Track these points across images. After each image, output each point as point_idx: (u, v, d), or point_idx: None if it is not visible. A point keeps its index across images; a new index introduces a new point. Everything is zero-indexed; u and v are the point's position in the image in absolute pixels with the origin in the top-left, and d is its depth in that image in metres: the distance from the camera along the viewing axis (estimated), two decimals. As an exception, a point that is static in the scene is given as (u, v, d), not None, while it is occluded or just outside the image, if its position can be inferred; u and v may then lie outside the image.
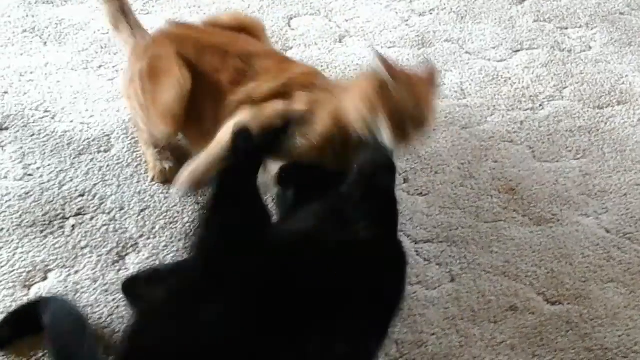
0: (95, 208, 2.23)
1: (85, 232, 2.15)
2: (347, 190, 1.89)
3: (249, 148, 1.95)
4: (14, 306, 1.93)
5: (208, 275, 1.67)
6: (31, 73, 2.68)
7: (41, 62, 2.74)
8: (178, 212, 2.23)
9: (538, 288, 2.13)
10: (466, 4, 3.30)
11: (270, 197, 2.18)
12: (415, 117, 2.00)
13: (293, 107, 2.10)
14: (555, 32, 3.18)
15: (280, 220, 1.99)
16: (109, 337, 1.90)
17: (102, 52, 2.78)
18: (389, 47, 2.98)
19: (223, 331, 1.57)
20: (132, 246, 2.13)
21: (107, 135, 2.46)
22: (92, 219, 2.19)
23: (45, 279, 2.02)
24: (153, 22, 2.79)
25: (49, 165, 2.33)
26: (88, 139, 2.44)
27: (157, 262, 2.09)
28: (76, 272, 2.04)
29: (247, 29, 2.41)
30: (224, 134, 2.11)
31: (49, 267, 2.05)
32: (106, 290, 2.00)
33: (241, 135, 1.97)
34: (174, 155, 2.36)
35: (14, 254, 2.07)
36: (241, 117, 2.12)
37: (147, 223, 2.18)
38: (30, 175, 2.30)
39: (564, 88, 2.87)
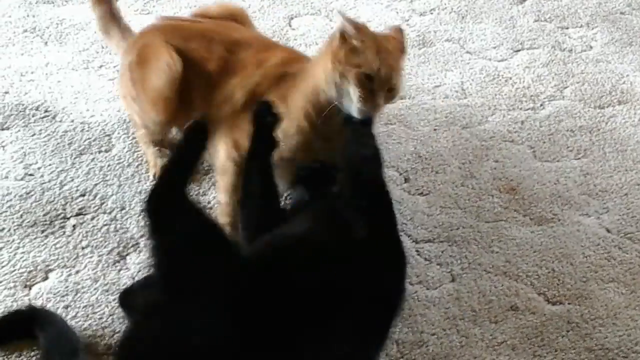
0: (96, 208, 2.23)
1: (86, 232, 2.15)
2: (337, 189, 1.89)
3: (270, 124, 1.95)
4: (15, 306, 1.94)
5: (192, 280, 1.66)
6: (32, 73, 2.68)
7: (42, 62, 2.74)
8: (179, 212, 2.23)
9: (539, 288, 2.13)
10: (467, 4, 3.30)
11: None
12: (383, 80, 1.99)
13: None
14: (556, 32, 3.18)
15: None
16: (110, 337, 1.90)
17: (103, 52, 2.78)
18: (390, 47, 2.98)
19: (211, 338, 1.57)
20: (133, 246, 2.13)
21: (108, 135, 2.46)
22: (93, 218, 2.19)
23: (46, 278, 2.02)
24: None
25: (49, 165, 2.34)
26: (89, 138, 2.44)
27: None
28: (77, 272, 2.04)
29: (235, 18, 2.44)
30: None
31: (49, 267, 2.05)
32: (107, 290, 2.00)
33: (263, 108, 1.97)
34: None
35: (15, 254, 2.07)
36: (224, 151, 2.16)
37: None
38: (31, 175, 2.30)
39: (565, 88, 2.87)
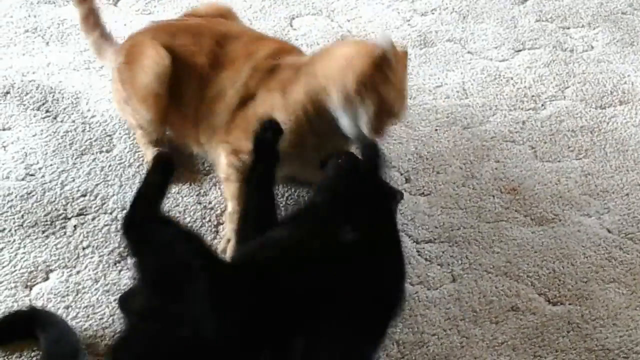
0: (97, 208, 2.23)
1: (87, 232, 2.15)
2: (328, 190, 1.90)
3: (272, 139, 1.97)
4: (16, 306, 1.94)
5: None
6: (33, 73, 2.68)
7: (43, 62, 2.74)
8: (180, 213, 2.24)
9: (539, 288, 2.12)
10: (468, 4, 3.30)
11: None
12: (393, 110, 2.00)
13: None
14: (558, 32, 3.18)
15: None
16: (110, 337, 1.90)
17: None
18: (391, 47, 2.98)
19: (197, 339, 1.58)
20: (133, 246, 2.13)
21: (109, 136, 2.46)
22: (93, 219, 2.20)
23: (46, 279, 2.02)
24: (153, 20, 2.79)
25: (51, 165, 2.34)
26: (90, 139, 2.45)
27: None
28: (78, 272, 2.05)
29: (224, 17, 2.45)
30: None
31: (50, 268, 2.05)
32: (107, 291, 2.00)
33: (266, 124, 1.98)
34: (174, 153, 2.36)
35: (16, 254, 2.07)
36: (223, 158, 2.17)
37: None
38: (32, 175, 2.30)
39: (566, 88, 2.87)
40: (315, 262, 1.70)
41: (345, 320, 1.66)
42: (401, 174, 2.44)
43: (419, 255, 2.19)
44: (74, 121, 2.50)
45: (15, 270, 2.03)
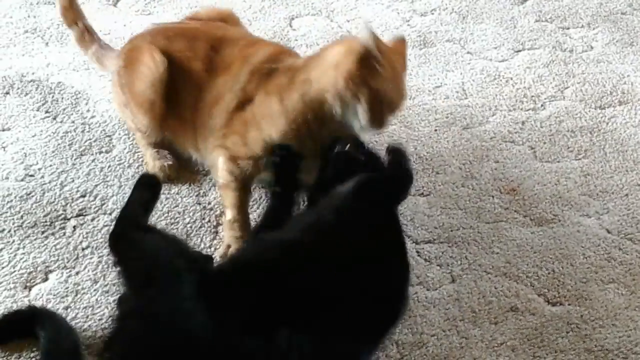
0: (96, 209, 2.23)
1: (87, 233, 2.15)
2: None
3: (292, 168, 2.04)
4: (15, 307, 1.94)
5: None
6: (33, 74, 2.68)
7: (43, 62, 2.74)
8: (179, 213, 2.24)
9: (539, 289, 2.12)
10: (468, 4, 3.30)
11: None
12: (393, 104, 2.00)
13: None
14: (557, 32, 3.18)
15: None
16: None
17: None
18: (391, 47, 2.98)
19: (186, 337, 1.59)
20: (133, 247, 2.13)
21: (109, 136, 2.47)
22: (93, 219, 2.20)
23: (46, 279, 2.02)
24: (154, 22, 2.79)
25: (50, 166, 2.34)
26: (89, 139, 2.45)
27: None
28: (77, 273, 2.05)
29: (225, 20, 2.46)
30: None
31: (49, 268, 2.05)
32: (107, 292, 2.00)
33: (282, 154, 2.03)
34: (173, 154, 2.36)
35: (15, 255, 2.07)
36: (221, 164, 2.16)
37: (149, 224, 2.18)
38: (31, 175, 2.30)
39: (566, 88, 2.87)
40: (311, 262, 1.71)
41: (338, 320, 1.66)
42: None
43: (418, 255, 2.19)
44: (73, 122, 2.50)
45: (15, 271, 2.03)
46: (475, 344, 1.97)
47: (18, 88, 2.61)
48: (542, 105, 2.78)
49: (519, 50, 3.06)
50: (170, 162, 2.33)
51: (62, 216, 2.19)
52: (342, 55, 2.02)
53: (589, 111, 2.77)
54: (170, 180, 2.32)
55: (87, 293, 2.00)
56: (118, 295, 1.97)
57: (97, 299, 1.98)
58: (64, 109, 2.55)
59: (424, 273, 2.14)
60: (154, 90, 2.22)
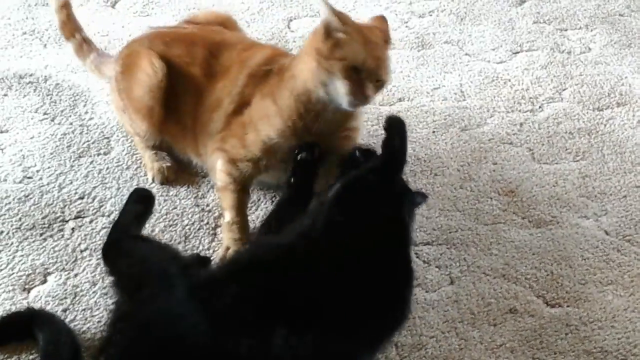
0: (94, 211, 2.23)
1: (85, 235, 2.15)
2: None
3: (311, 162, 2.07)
4: (14, 309, 1.94)
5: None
6: (31, 75, 2.68)
7: (41, 64, 2.74)
8: (177, 215, 2.23)
9: (537, 290, 2.12)
10: (466, 6, 3.31)
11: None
12: (371, 71, 1.99)
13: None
14: (555, 34, 3.18)
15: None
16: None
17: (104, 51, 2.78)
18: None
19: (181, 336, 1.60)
20: (131, 249, 2.13)
21: (107, 138, 2.46)
22: (91, 221, 2.19)
23: (44, 282, 2.02)
24: (153, 24, 2.80)
25: (48, 167, 2.34)
26: (88, 141, 2.44)
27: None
28: (75, 275, 2.04)
29: (223, 24, 2.47)
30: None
31: (48, 270, 2.05)
32: (105, 294, 1.99)
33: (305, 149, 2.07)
34: (172, 156, 2.37)
35: (14, 257, 2.07)
36: (220, 166, 2.17)
37: (147, 226, 2.18)
38: (29, 178, 2.30)
39: (564, 90, 2.87)
40: (306, 266, 1.71)
41: (334, 322, 1.66)
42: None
43: (417, 257, 2.18)
44: (71, 123, 2.50)
45: (13, 273, 2.03)
46: (474, 345, 1.97)
47: (16, 90, 2.61)
48: (540, 107, 2.78)
49: (517, 52, 3.06)
50: (168, 164, 2.33)
51: (61, 218, 2.19)
52: (310, 39, 2.07)
53: (587, 113, 2.77)
54: (168, 182, 2.32)
55: (85, 295, 2.00)
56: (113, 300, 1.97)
57: (95, 301, 1.98)
58: (62, 111, 2.54)
59: (423, 275, 2.14)
60: (152, 97, 2.22)
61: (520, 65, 2.98)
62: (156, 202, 2.25)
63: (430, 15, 3.24)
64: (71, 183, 2.30)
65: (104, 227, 2.17)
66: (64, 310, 1.95)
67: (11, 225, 2.15)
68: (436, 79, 2.88)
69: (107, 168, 2.36)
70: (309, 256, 1.73)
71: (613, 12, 3.35)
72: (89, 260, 2.08)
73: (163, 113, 2.25)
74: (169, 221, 2.21)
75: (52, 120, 2.50)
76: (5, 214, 2.18)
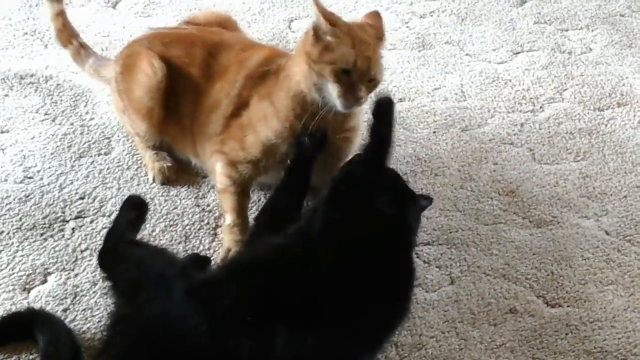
0: (95, 211, 2.23)
1: (85, 235, 2.15)
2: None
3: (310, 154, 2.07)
4: (14, 309, 1.94)
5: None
6: (32, 76, 2.68)
7: (42, 64, 2.74)
8: (178, 215, 2.24)
9: (538, 290, 2.12)
10: (466, 6, 3.31)
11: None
12: (361, 72, 1.99)
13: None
14: (556, 34, 3.18)
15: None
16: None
17: (103, 55, 2.78)
18: (390, 49, 2.98)
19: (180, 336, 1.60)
20: (132, 249, 2.13)
21: (108, 138, 2.47)
22: (92, 221, 2.19)
23: (44, 282, 2.02)
24: (154, 24, 2.80)
25: (49, 168, 2.34)
26: (88, 141, 2.45)
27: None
28: (76, 275, 2.04)
29: (223, 24, 2.46)
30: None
31: (48, 270, 2.05)
32: (106, 294, 1.99)
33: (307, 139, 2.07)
34: (173, 156, 2.37)
35: (14, 257, 2.07)
36: (219, 168, 2.17)
37: (147, 226, 2.18)
38: (30, 178, 2.30)
39: (564, 90, 2.87)
40: (301, 265, 1.72)
41: (336, 322, 1.66)
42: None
43: (417, 257, 2.18)
44: (72, 124, 2.50)
45: (13, 273, 2.03)
46: (474, 345, 1.97)
47: (17, 90, 2.61)
48: (540, 107, 2.78)
49: (518, 52, 3.06)
50: (169, 164, 2.34)
51: (61, 218, 2.19)
52: (301, 41, 2.07)
53: (588, 113, 2.77)
54: (169, 182, 2.32)
55: (86, 295, 2.00)
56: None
57: (96, 301, 1.98)
58: (63, 111, 2.55)
59: (423, 275, 2.14)
60: (151, 97, 2.22)
61: (521, 65, 2.98)
62: (157, 202, 2.27)
63: (431, 15, 3.24)
64: (72, 183, 2.30)
65: (105, 227, 2.16)
66: (64, 310, 1.95)
67: (12, 225, 2.15)
68: (437, 79, 2.88)
69: (108, 168, 2.36)
70: (307, 256, 1.73)
71: (614, 12, 3.34)
72: (90, 260, 2.08)
73: (163, 114, 2.25)
74: (170, 221, 2.22)
75: (53, 121, 2.50)
76: (5, 214, 2.18)
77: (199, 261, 2.04)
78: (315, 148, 2.06)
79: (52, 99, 2.59)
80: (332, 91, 1.97)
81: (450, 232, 2.27)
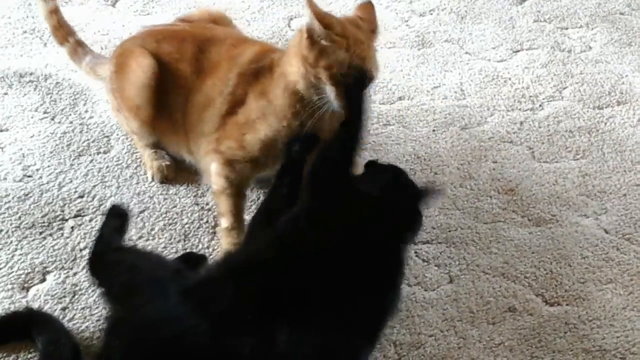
0: (94, 209, 2.23)
1: (84, 234, 2.15)
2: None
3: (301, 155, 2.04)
4: (12, 308, 1.94)
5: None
6: (31, 74, 2.68)
7: (41, 63, 2.74)
8: (177, 214, 2.24)
9: (537, 289, 2.12)
10: (466, 5, 3.30)
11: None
12: (358, 70, 1.98)
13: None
14: (555, 32, 3.18)
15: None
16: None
17: (102, 53, 2.78)
18: (389, 48, 2.98)
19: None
20: (131, 247, 2.13)
21: (107, 137, 2.47)
22: (91, 220, 2.19)
23: (43, 280, 2.02)
24: (153, 23, 2.79)
25: (48, 166, 2.34)
26: (87, 140, 2.45)
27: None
28: (75, 273, 2.04)
29: (216, 22, 2.46)
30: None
31: (47, 269, 2.05)
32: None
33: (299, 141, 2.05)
34: (171, 154, 2.37)
35: (13, 256, 2.07)
36: (215, 169, 2.16)
37: (146, 224, 2.19)
38: (29, 176, 2.30)
39: (564, 88, 2.87)
40: (292, 258, 1.71)
41: (333, 316, 1.66)
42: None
43: (416, 256, 2.19)
44: (71, 122, 2.50)
45: (12, 272, 2.03)
46: (473, 344, 1.97)
47: (16, 88, 2.61)
48: (540, 106, 2.78)
49: (518, 51, 3.06)
50: (168, 163, 2.34)
51: (60, 217, 2.19)
52: (296, 41, 2.05)
53: (587, 111, 2.77)
54: (168, 181, 2.32)
55: (84, 294, 2.00)
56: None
57: (94, 300, 1.98)
58: (62, 110, 2.55)
59: (422, 273, 2.14)
60: (141, 96, 2.22)
61: (521, 63, 2.98)
62: (156, 200, 2.27)
63: (431, 13, 3.24)
64: (71, 182, 2.30)
65: (104, 226, 2.17)
66: (63, 309, 1.95)
67: (10, 224, 2.15)
68: (436, 77, 2.88)
69: (107, 167, 2.36)
70: (298, 248, 1.73)
71: (614, 10, 3.34)
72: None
73: (155, 111, 2.24)
74: (169, 220, 2.22)
75: (52, 119, 2.50)
76: (4, 213, 2.18)
77: (193, 260, 2.04)
78: (305, 151, 2.05)
79: (51, 97, 2.59)
80: (330, 93, 1.97)
81: (450, 231, 2.27)
